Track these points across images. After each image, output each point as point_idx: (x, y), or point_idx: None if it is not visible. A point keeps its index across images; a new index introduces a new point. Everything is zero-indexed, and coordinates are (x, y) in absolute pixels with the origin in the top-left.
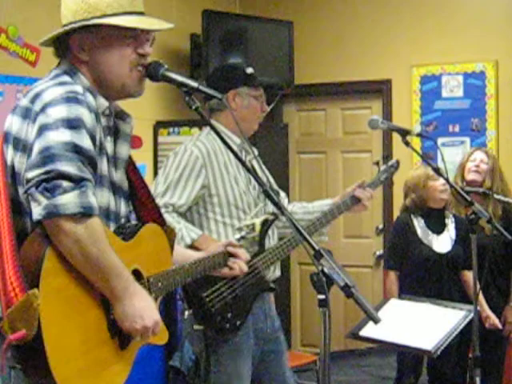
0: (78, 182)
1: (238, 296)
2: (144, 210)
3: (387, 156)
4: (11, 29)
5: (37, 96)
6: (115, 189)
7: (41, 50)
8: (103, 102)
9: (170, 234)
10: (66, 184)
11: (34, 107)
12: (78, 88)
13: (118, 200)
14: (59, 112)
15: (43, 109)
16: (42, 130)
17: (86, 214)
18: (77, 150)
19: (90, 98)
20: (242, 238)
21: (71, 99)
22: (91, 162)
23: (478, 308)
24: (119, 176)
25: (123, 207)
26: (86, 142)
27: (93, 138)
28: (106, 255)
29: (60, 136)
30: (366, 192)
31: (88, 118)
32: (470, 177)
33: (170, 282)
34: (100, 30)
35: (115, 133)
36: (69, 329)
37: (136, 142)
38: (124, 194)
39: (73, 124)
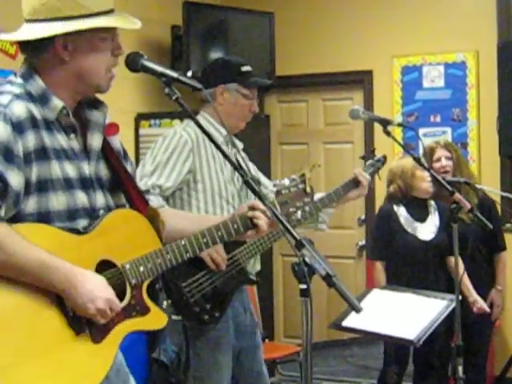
0: None
1: (218, 287)
2: (129, 197)
3: (372, 150)
4: None
5: None
6: (87, 183)
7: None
8: (57, 104)
9: (154, 215)
10: None
11: None
12: (5, 98)
13: (93, 193)
14: None
15: None
16: None
17: None
18: None
19: (16, 107)
20: (288, 188)
21: None
22: None
23: (465, 293)
24: (93, 168)
25: (100, 199)
26: None
27: (6, 151)
28: (19, 255)
29: None
30: (363, 172)
31: (1, 130)
32: None
33: (158, 262)
34: (87, 31)
35: (84, 124)
36: (9, 337)
37: (112, 129)
38: (102, 185)
39: None
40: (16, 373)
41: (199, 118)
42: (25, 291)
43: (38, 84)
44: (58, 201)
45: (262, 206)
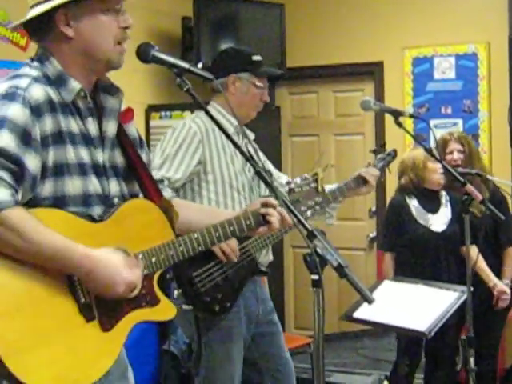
0: None
1: (229, 278)
2: (143, 186)
3: (383, 144)
4: (1, 13)
5: None
6: (100, 170)
7: None
8: (75, 86)
9: (168, 206)
10: None
11: None
12: (24, 81)
13: (106, 181)
14: None
15: None
16: None
17: None
18: None
19: (34, 90)
20: (301, 187)
21: (7, 96)
22: (11, 159)
23: (485, 279)
24: (107, 155)
25: (114, 187)
26: (3, 142)
27: (24, 134)
28: (35, 241)
29: None
30: (371, 170)
31: (20, 114)
32: None
33: (170, 254)
34: (86, 2)
35: (99, 111)
36: (19, 322)
37: (128, 114)
38: (117, 172)
39: None
40: (26, 357)
41: (209, 108)
42: (37, 276)
43: (54, 66)
44: (73, 185)
45: (274, 203)
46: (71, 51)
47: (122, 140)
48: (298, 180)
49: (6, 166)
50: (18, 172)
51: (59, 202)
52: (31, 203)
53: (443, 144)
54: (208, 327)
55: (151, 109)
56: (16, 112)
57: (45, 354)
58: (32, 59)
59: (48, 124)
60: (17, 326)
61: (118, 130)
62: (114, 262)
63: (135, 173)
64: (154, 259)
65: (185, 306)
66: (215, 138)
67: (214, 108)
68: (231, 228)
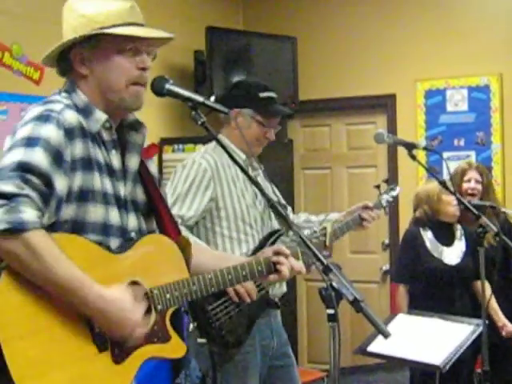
0: (9, 198)
1: (242, 311)
2: (162, 223)
3: (387, 180)
4: (15, 47)
5: (23, 116)
6: (121, 203)
7: (44, 68)
8: (101, 116)
9: (185, 244)
10: None
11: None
12: (57, 106)
13: (125, 214)
14: (23, 132)
15: (16, 130)
16: (6, 151)
17: (16, 229)
18: (23, 167)
19: (68, 114)
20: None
21: (41, 117)
22: (42, 177)
23: (494, 318)
24: (129, 189)
25: (133, 221)
26: (36, 159)
27: (56, 154)
28: (52, 269)
29: (13, 156)
30: (373, 213)
31: (54, 134)
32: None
33: (184, 292)
34: (100, 43)
35: (123, 145)
36: (34, 346)
37: (152, 150)
38: (137, 207)
39: (29, 142)
40: (38, 383)
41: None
42: (55, 300)
43: (80, 97)
44: (95, 213)
45: (287, 252)
46: (89, 88)
47: (144, 176)
48: (306, 232)
49: (37, 187)
50: (47, 193)
51: (78, 227)
52: (50, 226)
53: (461, 172)
54: (224, 361)
55: (164, 142)
56: (50, 132)
57: (56, 381)
58: (60, 91)
59: (78, 148)
60: (31, 350)
61: (140, 166)
62: (123, 305)
63: (155, 209)
64: (168, 295)
65: (199, 340)
66: (225, 173)
67: (223, 141)
68: (243, 272)
